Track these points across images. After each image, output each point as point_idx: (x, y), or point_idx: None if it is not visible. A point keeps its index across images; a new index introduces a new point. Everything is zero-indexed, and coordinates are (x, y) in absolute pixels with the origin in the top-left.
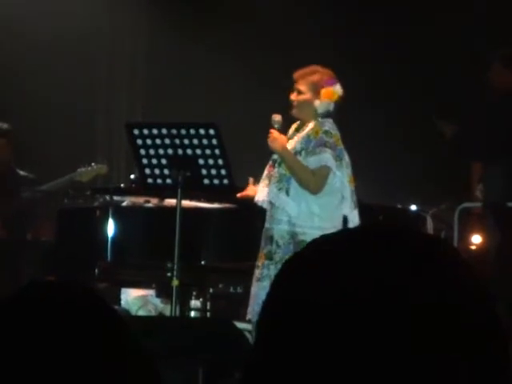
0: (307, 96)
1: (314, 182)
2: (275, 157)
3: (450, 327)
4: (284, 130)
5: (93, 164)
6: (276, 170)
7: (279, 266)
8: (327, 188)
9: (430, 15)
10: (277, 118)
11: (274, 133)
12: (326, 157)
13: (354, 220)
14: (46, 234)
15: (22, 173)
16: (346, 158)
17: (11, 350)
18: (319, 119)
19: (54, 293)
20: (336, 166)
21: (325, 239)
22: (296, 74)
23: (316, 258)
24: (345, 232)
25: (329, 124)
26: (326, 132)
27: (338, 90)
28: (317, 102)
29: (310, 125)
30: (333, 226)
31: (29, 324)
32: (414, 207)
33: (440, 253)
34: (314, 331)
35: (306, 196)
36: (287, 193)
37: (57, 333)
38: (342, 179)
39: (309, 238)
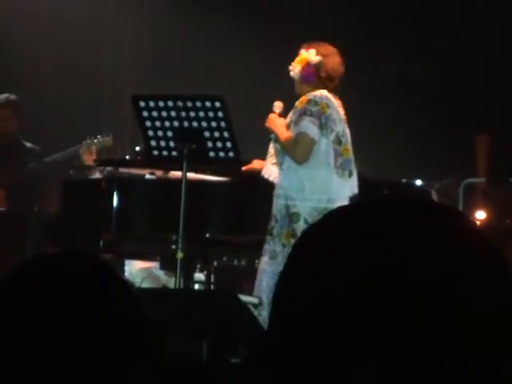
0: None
1: (294, 150)
2: (272, 135)
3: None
4: (285, 115)
5: (98, 136)
6: (271, 145)
7: (277, 241)
8: (314, 158)
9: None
10: (277, 104)
11: (271, 115)
12: (305, 124)
13: (353, 189)
14: (51, 206)
15: (28, 144)
16: (339, 127)
17: (18, 324)
18: (312, 92)
19: (62, 264)
20: (319, 133)
21: (337, 213)
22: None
23: (329, 232)
24: (357, 205)
25: (318, 94)
26: (310, 101)
27: (306, 54)
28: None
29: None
30: (327, 197)
31: (36, 296)
32: (418, 182)
33: (455, 226)
34: (329, 308)
35: (296, 169)
36: (281, 167)
37: (65, 304)
38: (327, 147)
39: (300, 210)
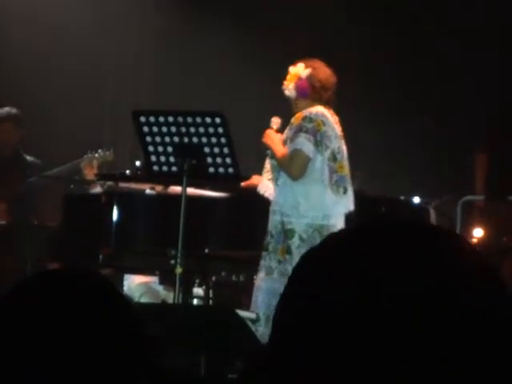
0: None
1: (290, 167)
2: (268, 151)
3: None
4: (282, 131)
5: (99, 150)
6: (267, 161)
7: (272, 256)
8: (309, 175)
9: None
10: (275, 119)
11: (268, 131)
12: (300, 141)
13: (348, 206)
14: (51, 220)
15: (29, 158)
16: (334, 144)
17: (19, 340)
18: (309, 108)
19: (63, 280)
20: (315, 151)
21: (338, 234)
22: None
23: (331, 252)
24: (356, 227)
25: (314, 110)
26: (305, 118)
27: (295, 70)
28: None
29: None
30: (322, 214)
31: (37, 312)
32: (416, 199)
33: (453, 247)
34: (329, 326)
35: (292, 185)
36: (276, 183)
37: (65, 320)
38: (322, 164)
39: (296, 227)
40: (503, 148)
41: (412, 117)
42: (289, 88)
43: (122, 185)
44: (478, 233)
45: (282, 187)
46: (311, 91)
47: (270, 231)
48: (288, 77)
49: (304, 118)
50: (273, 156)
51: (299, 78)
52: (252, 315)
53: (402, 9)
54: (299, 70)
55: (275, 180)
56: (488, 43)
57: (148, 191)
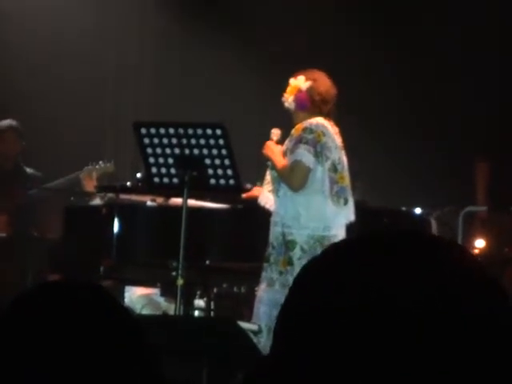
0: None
1: (290, 178)
2: (269, 162)
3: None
4: (282, 142)
5: (100, 162)
6: (268, 172)
7: (274, 268)
8: (310, 186)
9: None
10: (275, 131)
11: (268, 142)
12: (300, 152)
13: (348, 216)
14: (51, 231)
15: (29, 170)
16: (335, 154)
17: (20, 352)
18: (309, 119)
19: (64, 293)
20: (315, 161)
21: (339, 245)
22: None
23: (332, 263)
24: (357, 238)
25: (314, 121)
26: (305, 129)
27: (295, 82)
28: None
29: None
30: (323, 225)
31: (38, 324)
32: (418, 210)
33: (455, 257)
34: (331, 336)
35: (292, 196)
36: (277, 194)
37: (66, 332)
38: (323, 175)
39: (297, 238)
40: (504, 158)
41: (413, 128)
42: (289, 101)
43: (124, 197)
44: (479, 243)
45: (282, 198)
46: (311, 104)
47: (271, 243)
48: (288, 89)
49: (304, 129)
50: (273, 167)
51: (299, 91)
52: (254, 327)
53: (402, 9)
54: (299, 83)
55: (276, 191)
56: (488, 43)
57: (149, 203)
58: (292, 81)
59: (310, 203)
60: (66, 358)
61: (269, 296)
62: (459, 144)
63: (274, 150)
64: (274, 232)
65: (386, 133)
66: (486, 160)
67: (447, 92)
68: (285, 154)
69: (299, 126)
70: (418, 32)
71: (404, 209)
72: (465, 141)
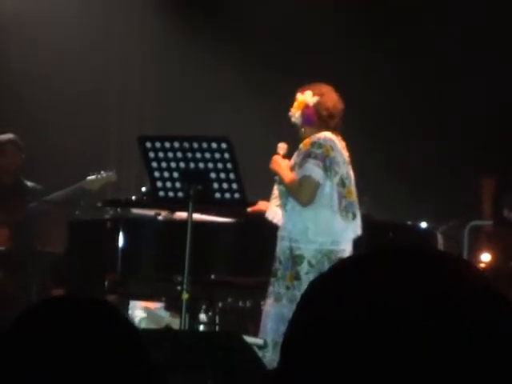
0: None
1: (299, 193)
2: (276, 177)
3: (476, 349)
4: (289, 156)
5: (102, 172)
6: (276, 187)
7: (281, 283)
8: (318, 201)
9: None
10: (282, 145)
11: (275, 156)
12: (309, 167)
13: (356, 231)
14: (55, 245)
15: (29, 184)
16: (343, 169)
17: (25, 368)
18: (316, 134)
19: (69, 308)
20: (324, 176)
21: (347, 261)
22: None
23: (339, 279)
24: (364, 254)
25: (322, 136)
26: (314, 143)
27: (302, 97)
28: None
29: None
30: (331, 239)
31: (44, 340)
32: (424, 224)
33: (461, 273)
34: (338, 353)
35: (300, 211)
36: (285, 208)
37: (72, 347)
38: (331, 190)
39: (305, 253)
40: (510, 172)
41: (419, 141)
42: (296, 116)
43: (134, 211)
44: (485, 257)
45: (290, 213)
46: (318, 119)
47: (278, 257)
48: (295, 104)
49: (313, 144)
50: (281, 182)
51: (306, 106)
52: (259, 341)
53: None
54: (307, 98)
55: (283, 206)
56: (492, 69)
57: (155, 217)
58: (299, 96)
59: (318, 217)
60: (71, 374)
61: (276, 311)
62: (465, 159)
63: (282, 165)
64: (281, 247)
65: (392, 148)
66: (491, 175)
67: (455, 107)
68: (293, 168)
69: (307, 141)
70: (418, 32)
71: (410, 223)
72: (471, 156)
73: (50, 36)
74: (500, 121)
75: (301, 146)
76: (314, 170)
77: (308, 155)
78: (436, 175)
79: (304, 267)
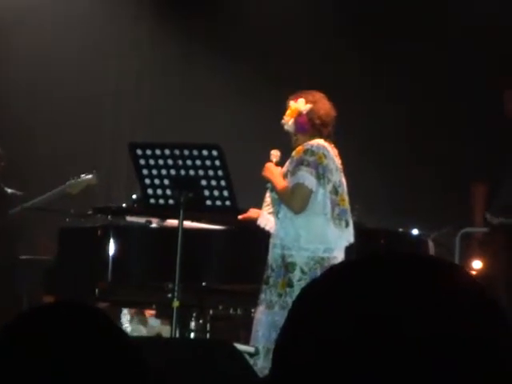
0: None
1: (292, 200)
2: (268, 184)
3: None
4: (282, 163)
5: (82, 175)
6: (268, 194)
7: (273, 290)
8: (310, 208)
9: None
10: (274, 152)
11: (267, 164)
12: (302, 175)
13: (349, 239)
14: (44, 253)
15: (9, 191)
16: (335, 177)
17: (17, 375)
18: (309, 142)
19: (60, 315)
20: (317, 184)
21: (339, 268)
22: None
23: (331, 285)
24: (356, 260)
25: (315, 143)
26: (307, 151)
27: (296, 105)
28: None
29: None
30: (324, 247)
31: (36, 346)
32: (415, 231)
33: (454, 278)
34: (329, 359)
35: (292, 218)
36: (277, 216)
37: (64, 354)
38: (324, 197)
39: (297, 260)
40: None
41: (409, 149)
42: (289, 124)
43: (130, 219)
44: (477, 265)
45: (282, 220)
46: (311, 128)
47: (270, 265)
48: (288, 112)
49: (305, 151)
50: (273, 189)
51: (299, 114)
52: (250, 349)
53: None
54: (300, 106)
55: (276, 213)
56: (478, 74)
57: (153, 225)
58: (292, 103)
59: (310, 225)
60: (63, 380)
61: (268, 318)
62: (457, 165)
63: (274, 172)
64: (274, 254)
65: (382, 154)
66: (482, 181)
67: (446, 114)
68: (285, 176)
69: (300, 148)
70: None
71: (401, 230)
72: (462, 162)
73: (36, 41)
74: (493, 126)
75: (293, 153)
76: (307, 177)
77: (301, 163)
78: (428, 182)
79: (296, 274)
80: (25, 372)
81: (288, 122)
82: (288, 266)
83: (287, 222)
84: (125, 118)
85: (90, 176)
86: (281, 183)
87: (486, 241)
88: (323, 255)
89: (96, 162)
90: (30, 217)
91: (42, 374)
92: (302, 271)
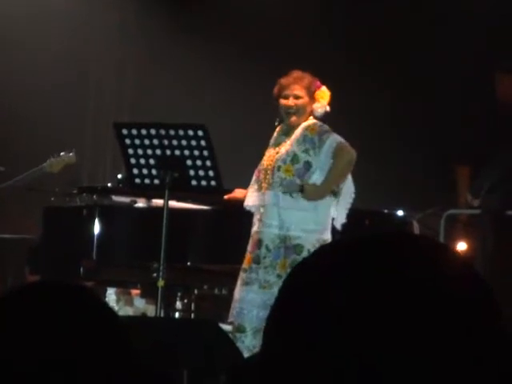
0: (306, 100)
1: (345, 156)
2: (265, 164)
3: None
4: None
5: (62, 154)
6: (275, 175)
7: (269, 270)
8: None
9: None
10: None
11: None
12: (336, 136)
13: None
14: (28, 232)
15: None
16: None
17: (3, 355)
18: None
19: (47, 293)
20: None
21: (329, 247)
22: (288, 80)
23: (322, 265)
24: (344, 242)
25: (314, 121)
26: (322, 125)
27: (326, 90)
28: (316, 105)
29: (303, 125)
30: (324, 228)
31: (22, 326)
32: (400, 212)
33: (440, 255)
34: (322, 337)
35: (298, 200)
36: (291, 195)
37: (51, 333)
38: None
39: (304, 242)
40: (486, 160)
41: (397, 130)
42: (326, 109)
43: (116, 198)
44: (461, 246)
45: (287, 201)
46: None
47: (265, 245)
48: (324, 97)
49: (322, 125)
50: (280, 168)
51: (329, 103)
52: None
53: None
54: (328, 94)
55: (289, 193)
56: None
57: (139, 204)
58: (325, 89)
59: (318, 206)
60: (49, 360)
61: (265, 298)
62: (442, 148)
63: (289, 187)
64: (269, 234)
65: (368, 135)
66: (467, 163)
67: (432, 95)
68: (292, 159)
69: (314, 127)
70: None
71: (386, 211)
72: (447, 144)
73: (25, 32)
74: (475, 107)
75: (305, 132)
76: (339, 138)
77: (326, 131)
78: (414, 163)
79: (304, 256)
80: (9, 355)
81: (326, 106)
82: (295, 248)
83: (293, 203)
84: (110, 98)
85: (70, 154)
86: (324, 189)
87: (471, 222)
88: (329, 237)
89: (80, 141)
90: (11, 195)
91: (27, 357)
92: (310, 253)
